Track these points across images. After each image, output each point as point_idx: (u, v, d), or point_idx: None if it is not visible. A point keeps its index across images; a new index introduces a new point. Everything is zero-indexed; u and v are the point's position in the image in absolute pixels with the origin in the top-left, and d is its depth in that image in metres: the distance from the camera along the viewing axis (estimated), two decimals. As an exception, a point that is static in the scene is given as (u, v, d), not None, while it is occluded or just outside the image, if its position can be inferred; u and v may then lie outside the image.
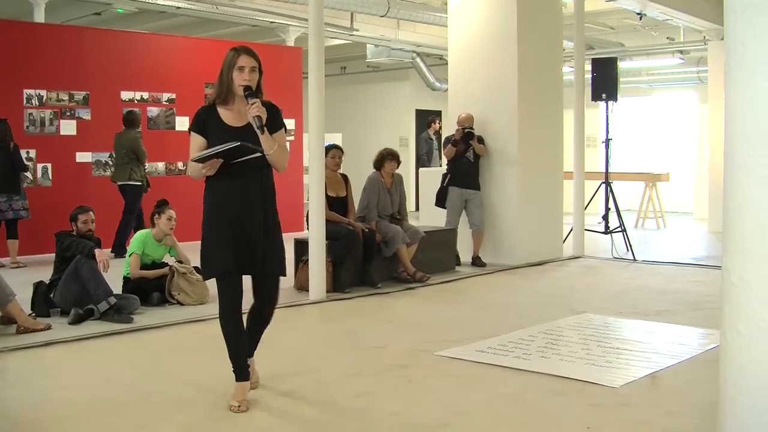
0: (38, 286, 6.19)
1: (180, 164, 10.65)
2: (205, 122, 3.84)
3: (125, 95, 10.27)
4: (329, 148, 7.36)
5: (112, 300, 5.94)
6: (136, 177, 9.35)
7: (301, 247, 7.32)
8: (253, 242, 3.79)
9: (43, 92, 9.59)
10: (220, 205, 3.79)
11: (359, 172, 8.34)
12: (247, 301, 3.96)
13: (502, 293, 7.31)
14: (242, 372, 3.94)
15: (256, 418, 3.78)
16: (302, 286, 7.09)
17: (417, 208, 13.28)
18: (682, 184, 14.86)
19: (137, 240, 6.64)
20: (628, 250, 9.56)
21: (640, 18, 11.66)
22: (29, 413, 3.91)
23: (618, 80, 9.91)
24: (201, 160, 3.71)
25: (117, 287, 6.33)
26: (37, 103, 9.56)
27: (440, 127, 14.46)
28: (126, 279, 6.54)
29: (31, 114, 9.51)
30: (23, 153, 8.85)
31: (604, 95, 9.80)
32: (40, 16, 10.86)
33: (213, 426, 3.71)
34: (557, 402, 4.05)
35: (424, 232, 7.92)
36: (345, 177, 7.61)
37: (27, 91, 9.48)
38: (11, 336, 5.45)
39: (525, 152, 8.83)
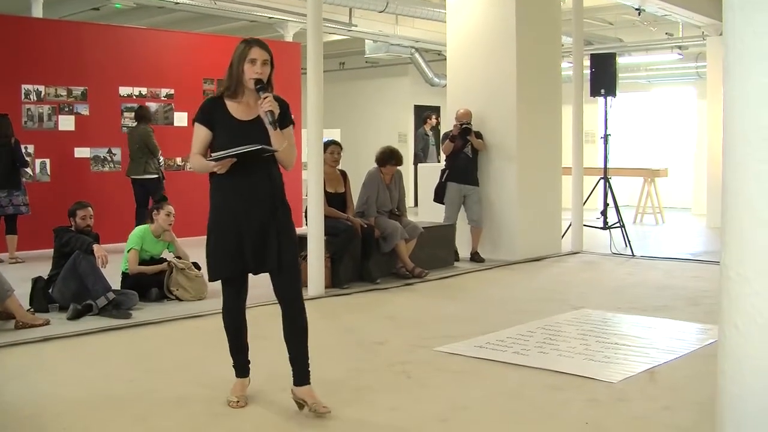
0: (37, 281, 6.19)
1: (179, 160, 10.64)
2: (212, 114, 3.73)
3: (123, 91, 10.26)
4: (328, 144, 7.36)
5: (111, 295, 5.94)
6: (151, 170, 9.52)
7: (300, 242, 7.28)
8: (264, 240, 3.66)
9: (42, 87, 9.57)
10: (228, 204, 3.68)
11: (358, 167, 8.35)
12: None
13: (501, 289, 7.32)
14: (241, 368, 3.91)
15: (254, 414, 3.79)
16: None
17: (416, 204, 13.29)
18: (681, 180, 14.86)
19: (136, 236, 6.64)
20: (626, 245, 9.57)
21: (639, 13, 11.66)
22: (28, 408, 3.91)
23: (617, 76, 9.91)
24: (217, 159, 3.58)
25: (115, 283, 6.33)
26: (36, 99, 9.55)
27: (437, 123, 14.45)
28: (124, 275, 6.54)
29: (29, 109, 9.50)
30: (22, 148, 8.84)
31: (602, 91, 9.80)
32: (38, 12, 10.85)
33: (211, 421, 3.72)
34: (556, 397, 4.05)
35: (423, 227, 7.92)
36: (343, 173, 7.61)
37: (25, 87, 9.46)
38: (10, 331, 5.44)
39: (524, 148, 8.83)
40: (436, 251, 8.23)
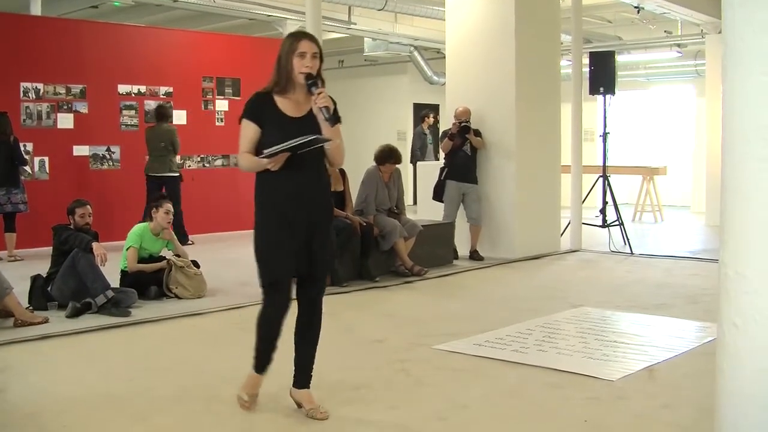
0: (36, 279, 6.19)
1: (177, 158, 10.63)
2: (261, 111, 3.52)
3: (122, 89, 10.25)
4: (327, 142, 7.33)
5: (110, 293, 5.94)
6: (174, 168, 9.72)
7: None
8: (310, 242, 3.52)
9: (40, 85, 9.56)
10: (278, 202, 3.50)
11: (357, 166, 8.33)
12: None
13: (500, 287, 7.32)
14: (264, 365, 3.65)
15: (253, 412, 3.78)
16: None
17: (414, 202, 13.28)
18: (680, 178, 14.87)
19: (134, 234, 6.63)
20: (625, 243, 9.57)
21: (638, 11, 11.65)
22: (27, 407, 3.91)
23: (615, 74, 9.92)
24: (271, 154, 3.39)
25: (114, 281, 6.33)
26: (34, 97, 9.54)
27: (434, 122, 14.45)
28: (123, 273, 6.54)
29: (28, 107, 9.49)
30: (21, 146, 8.83)
31: (601, 89, 9.80)
32: (37, 9, 10.82)
33: (211, 419, 3.72)
34: (555, 395, 4.06)
35: (422, 225, 7.92)
36: (342, 171, 7.59)
37: (24, 85, 9.46)
38: (9, 329, 5.44)
39: (523, 146, 8.83)
40: (435, 249, 8.23)
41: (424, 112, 14.60)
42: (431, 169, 9.71)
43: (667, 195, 14.51)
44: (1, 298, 5.48)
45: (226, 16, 12.34)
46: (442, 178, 8.75)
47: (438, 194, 8.79)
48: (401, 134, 16.93)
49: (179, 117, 10.54)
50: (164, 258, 6.70)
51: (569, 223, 9.70)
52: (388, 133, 15.93)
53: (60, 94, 9.72)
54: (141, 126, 10.30)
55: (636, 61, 14.85)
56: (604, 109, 9.97)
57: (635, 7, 11.35)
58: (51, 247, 6.32)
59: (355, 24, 12.88)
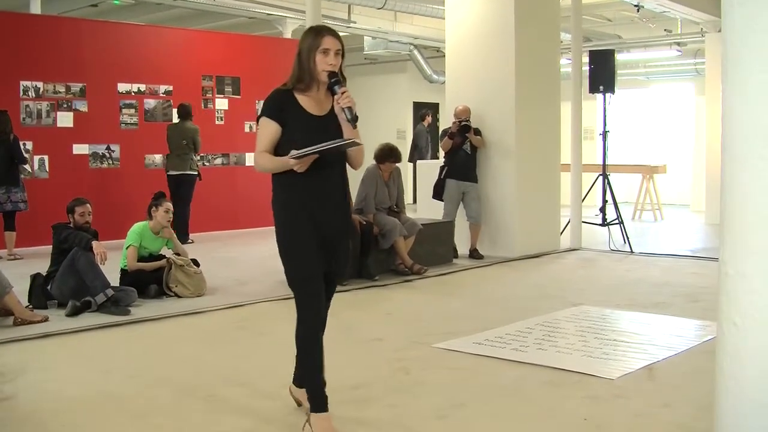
0: (35, 278, 6.19)
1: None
2: (283, 108, 3.37)
3: (122, 87, 10.25)
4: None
5: (110, 292, 5.94)
6: (194, 167, 9.78)
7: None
8: (332, 241, 3.44)
9: (40, 84, 9.56)
10: (301, 202, 3.37)
11: (356, 164, 8.33)
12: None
13: (500, 286, 7.32)
14: (322, 398, 3.39)
15: (253, 410, 3.78)
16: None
17: (414, 201, 13.28)
18: (680, 176, 14.88)
19: (134, 232, 6.63)
20: (625, 242, 9.57)
21: (638, 10, 11.65)
22: (26, 405, 3.91)
23: (615, 72, 9.92)
24: (298, 156, 3.24)
25: (114, 279, 6.33)
26: (34, 95, 9.54)
27: (432, 121, 14.46)
28: (123, 271, 6.54)
29: (27, 106, 9.49)
30: (20, 145, 8.82)
31: (601, 87, 9.80)
32: (36, 8, 10.82)
33: (211, 418, 3.72)
34: (554, 394, 4.06)
35: (422, 224, 7.93)
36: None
37: (23, 83, 9.46)
38: (8, 328, 5.45)
39: (522, 144, 8.83)
40: (434, 248, 8.24)
41: (423, 111, 14.61)
42: (431, 168, 9.72)
43: (666, 193, 14.51)
44: (1, 296, 5.49)
45: (225, 14, 12.35)
46: (442, 176, 8.75)
47: (438, 193, 8.79)
48: (401, 133, 16.93)
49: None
50: (164, 257, 6.70)
51: (569, 222, 9.70)
52: (388, 132, 15.93)
53: (60, 92, 9.72)
54: (141, 125, 10.31)
55: (636, 60, 14.86)
56: (604, 108, 9.97)
57: (635, 6, 11.35)
58: (51, 246, 6.32)
59: (354, 22, 12.88)
